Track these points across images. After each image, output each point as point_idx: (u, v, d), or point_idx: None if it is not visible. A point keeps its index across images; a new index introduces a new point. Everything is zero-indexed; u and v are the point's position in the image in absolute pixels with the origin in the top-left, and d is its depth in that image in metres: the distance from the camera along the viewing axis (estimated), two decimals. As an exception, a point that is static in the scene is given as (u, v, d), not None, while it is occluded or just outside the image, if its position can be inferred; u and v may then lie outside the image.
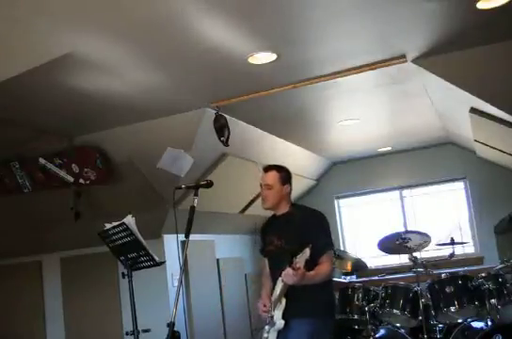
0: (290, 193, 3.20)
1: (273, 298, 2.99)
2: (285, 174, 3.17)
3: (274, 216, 3.25)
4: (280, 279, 2.92)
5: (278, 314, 2.91)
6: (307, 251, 2.71)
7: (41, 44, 2.67)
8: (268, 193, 3.11)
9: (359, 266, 5.32)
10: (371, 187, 6.96)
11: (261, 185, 3.16)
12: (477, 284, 4.07)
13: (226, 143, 4.06)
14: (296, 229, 3.00)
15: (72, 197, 4.36)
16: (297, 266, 2.69)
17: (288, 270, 2.73)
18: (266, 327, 2.99)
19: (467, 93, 3.57)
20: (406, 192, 6.89)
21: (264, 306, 3.01)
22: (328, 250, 2.99)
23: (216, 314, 5.53)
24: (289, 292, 2.88)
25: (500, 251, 5.70)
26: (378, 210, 6.96)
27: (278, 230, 3.13)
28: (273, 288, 3.05)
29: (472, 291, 4.07)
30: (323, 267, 2.89)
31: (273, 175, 3.13)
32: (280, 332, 2.92)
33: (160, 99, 3.69)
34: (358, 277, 5.98)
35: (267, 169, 3.18)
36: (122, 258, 3.18)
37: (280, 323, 2.89)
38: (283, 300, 2.91)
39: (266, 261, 3.26)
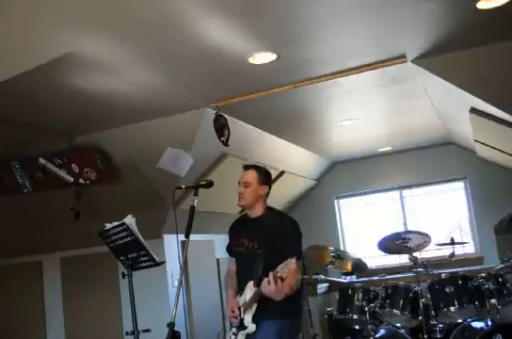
0: (267, 195, 3.15)
1: (242, 302, 2.96)
2: (264, 175, 3.14)
3: (246, 217, 3.22)
4: (250, 283, 2.91)
5: (248, 317, 2.90)
6: (292, 263, 2.65)
7: (41, 44, 2.67)
8: (245, 191, 3.07)
9: (359, 266, 5.32)
10: (371, 187, 6.95)
11: (239, 183, 3.12)
12: (477, 284, 4.08)
13: (226, 143, 4.06)
14: (268, 234, 2.96)
15: (72, 197, 4.36)
16: (278, 275, 2.66)
17: (265, 283, 2.72)
18: (233, 329, 2.98)
19: (467, 93, 3.57)
20: (406, 192, 6.88)
21: (233, 312, 2.98)
22: (294, 258, 2.83)
23: (216, 314, 5.53)
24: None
25: (500, 251, 5.69)
26: (378, 210, 6.95)
27: (249, 232, 3.09)
28: (240, 289, 3.04)
29: (472, 291, 4.08)
30: (289, 281, 2.77)
31: (252, 173, 3.11)
32: (248, 336, 2.91)
33: (160, 99, 3.69)
34: (358, 277, 5.98)
35: (247, 167, 3.16)
36: (122, 258, 3.18)
37: (252, 327, 2.87)
38: (254, 306, 2.89)
39: (233, 260, 3.25)
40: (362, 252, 6.53)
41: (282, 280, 2.69)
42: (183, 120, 4.02)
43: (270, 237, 2.93)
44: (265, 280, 2.73)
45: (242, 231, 3.18)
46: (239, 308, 2.96)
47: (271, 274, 2.70)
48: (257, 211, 3.13)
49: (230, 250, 3.32)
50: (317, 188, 7.18)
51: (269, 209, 3.16)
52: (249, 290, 2.94)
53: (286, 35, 2.91)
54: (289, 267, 2.65)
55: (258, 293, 2.84)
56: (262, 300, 2.86)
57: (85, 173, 4.26)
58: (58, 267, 5.39)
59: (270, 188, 3.18)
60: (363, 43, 3.16)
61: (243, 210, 5.72)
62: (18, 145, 4.20)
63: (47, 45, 2.68)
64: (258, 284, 2.86)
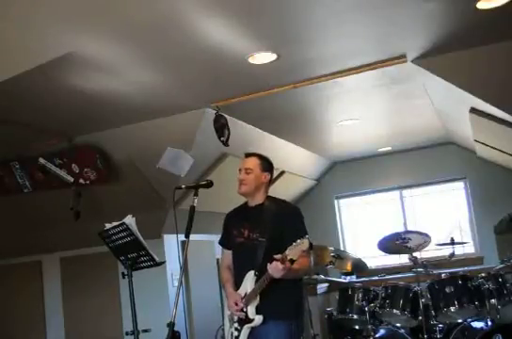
0: (268, 184, 3.08)
1: (243, 293, 2.87)
2: (266, 163, 3.08)
3: (245, 206, 3.11)
4: (250, 273, 2.83)
5: (251, 309, 2.80)
6: (305, 242, 2.57)
7: (41, 44, 2.67)
8: (246, 177, 2.99)
9: (359, 266, 5.32)
10: (371, 187, 6.95)
11: (240, 170, 3.04)
12: (477, 284, 4.07)
13: (226, 143, 4.06)
14: (271, 221, 2.89)
15: (72, 197, 4.36)
16: (288, 258, 2.57)
17: (277, 265, 2.60)
18: (235, 324, 2.90)
19: (467, 93, 3.57)
20: (406, 192, 6.88)
21: (237, 305, 2.87)
22: (306, 238, 2.80)
23: (215, 313, 5.53)
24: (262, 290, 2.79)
25: (500, 251, 5.69)
26: (378, 210, 6.95)
27: (250, 221, 3.00)
28: (238, 282, 2.93)
29: (471, 291, 4.08)
30: (303, 262, 2.79)
31: (254, 160, 3.05)
32: (253, 329, 2.82)
33: (160, 99, 3.69)
34: (358, 277, 5.98)
35: (249, 154, 3.11)
36: (122, 258, 3.19)
37: (258, 318, 2.78)
38: (258, 297, 2.80)
39: (229, 253, 3.12)
40: (362, 252, 6.53)
41: (292, 261, 2.59)
42: (183, 120, 4.02)
43: (274, 224, 2.86)
44: (274, 264, 2.63)
45: (241, 220, 3.06)
46: (242, 299, 2.87)
47: (279, 256, 2.61)
48: (258, 200, 3.04)
49: (226, 242, 3.15)
50: (317, 188, 7.18)
51: (270, 197, 3.08)
52: (250, 281, 2.85)
53: (286, 35, 2.92)
54: (300, 248, 2.57)
55: (263, 281, 2.74)
56: (262, 296, 2.79)
57: (85, 173, 4.26)
58: (58, 267, 5.39)
59: (272, 177, 3.11)
60: (363, 43, 3.16)
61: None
62: (18, 145, 4.20)
63: (47, 45, 2.69)
64: (259, 273, 2.78)
